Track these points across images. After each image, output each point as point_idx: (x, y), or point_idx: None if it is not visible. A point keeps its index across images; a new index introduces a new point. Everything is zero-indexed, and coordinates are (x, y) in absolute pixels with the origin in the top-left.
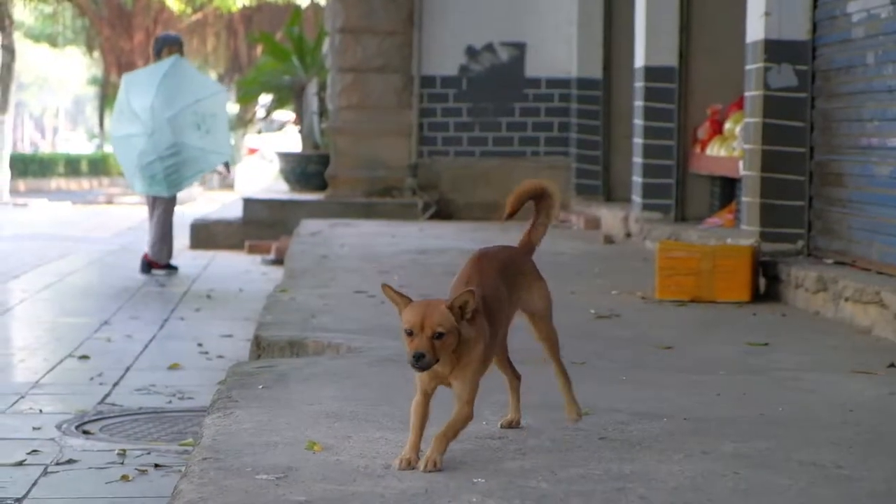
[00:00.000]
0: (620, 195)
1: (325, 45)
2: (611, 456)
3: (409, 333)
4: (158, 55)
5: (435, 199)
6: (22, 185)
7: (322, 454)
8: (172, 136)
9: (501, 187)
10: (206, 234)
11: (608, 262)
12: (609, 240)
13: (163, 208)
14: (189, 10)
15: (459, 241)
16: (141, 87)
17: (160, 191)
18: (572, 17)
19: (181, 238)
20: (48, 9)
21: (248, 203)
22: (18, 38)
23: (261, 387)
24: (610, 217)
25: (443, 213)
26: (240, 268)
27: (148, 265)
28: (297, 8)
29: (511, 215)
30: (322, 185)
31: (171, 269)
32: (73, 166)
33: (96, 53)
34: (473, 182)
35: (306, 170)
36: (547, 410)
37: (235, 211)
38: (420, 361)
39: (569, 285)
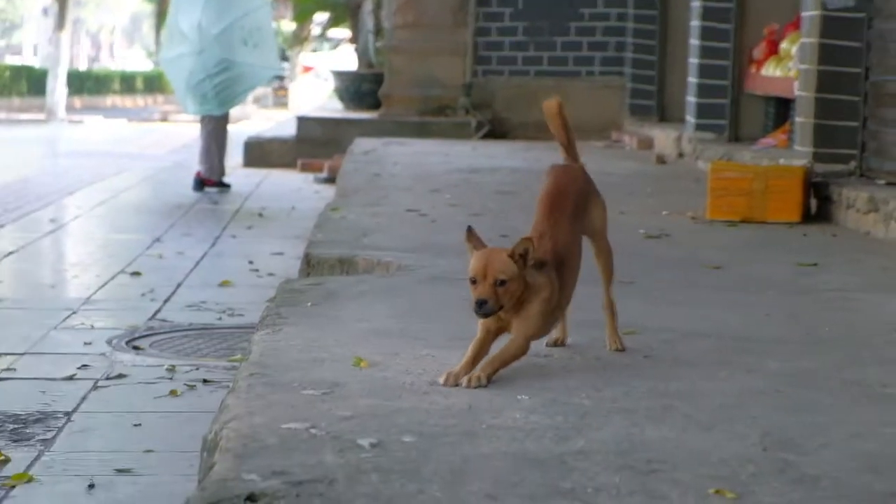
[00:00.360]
0: (674, 116)
1: None
2: (655, 374)
3: (473, 281)
4: None
5: (488, 118)
6: (78, 101)
7: (368, 370)
8: (221, 52)
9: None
10: (260, 153)
11: (660, 183)
12: (661, 160)
13: (213, 126)
14: None
15: (512, 160)
16: (188, 5)
17: (211, 109)
18: None
19: (235, 156)
20: None
21: (302, 121)
22: None
23: (310, 304)
24: (663, 137)
25: (496, 132)
26: (292, 186)
27: (201, 182)
28: None
29: (566, 140)
30: (376, 104)
31: (224, 186)
32: (128, 83)
33: None
34: (527, 102)
35: (360, 88)
36: (593, 329)
37: (289, 129)
38: (483, 308)
39: (619, 205)
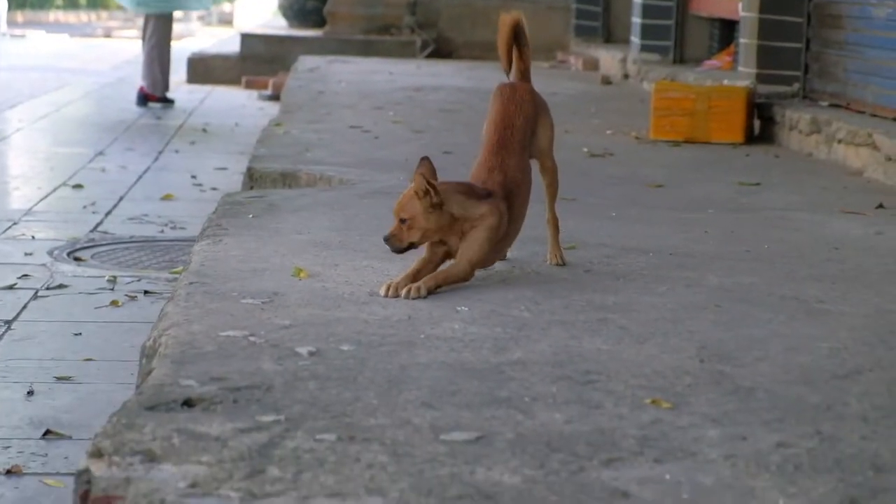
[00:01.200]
0: (620, 37)
1: None
2: (594, 287)
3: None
4: None
5: (433, 37)
6: (20, 16)
7: (308, 281)
8: None
9: None
10: (204, 69)
11: (604, 103)
12: (606, 80)
13: (157, 40)
14: None
15: (456, 79)
16: None
17: (161, 7)
18: None
19: (178, 72)
20: None
21: (246, 38)
22: None
23: (251, 216)
24: (608, 58)
25: (441, 51)
26: (236, 103)
27: (144, 98)
28: None
29: (510, 63)
30: (321, 22)
31: (168, 101)
32: None
33: None
34: (472, 21)
35: (305, 6)
36: (535, 244)
37: (233, 46)
38: (388, 242)
39: (564, 125)
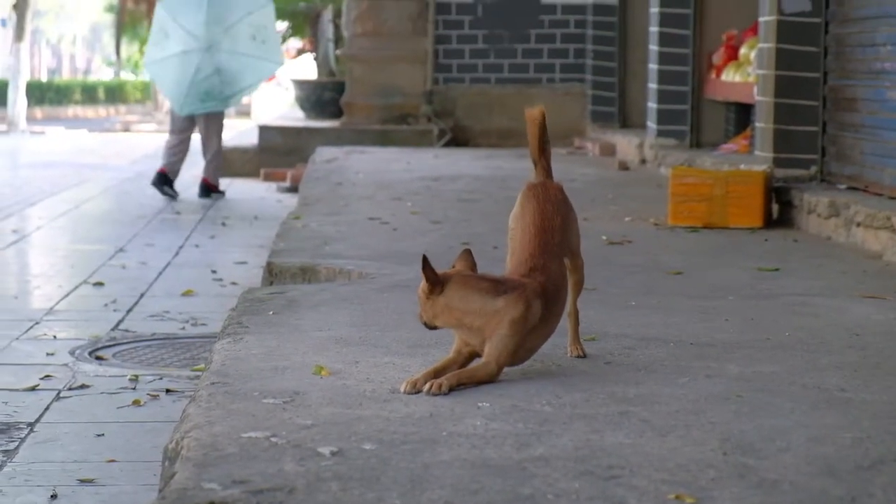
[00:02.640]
0: (636, 122)
1: None
2: (615, 380)
3: None
4: None
5: (450, 126)
6: (39, 112)
7: (329, 378)
8: (231, 46)
9: (517, 114)
10: (223, 161)
11: (622, 189)
12: (624, 166)
13: (216, 128)
14: None
15: (474, 168)
16: (187, 6)
17: (215, 106)
18: None
19: (198, 165)
20: None
21: (264, 130)
22: None
23: (271, 312)
24: (625, 143)
25: (458, 140)
26: (255, 195)
27: (207, 188)
28: None
29: (540, 152)
30: (338, 113)
31: (221, 193)
32: (89, 94)
33: None
34: (489, 109)
35: (322, 97)
36: (555, 336)
37: (251, 138)
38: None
39: (582, 212)
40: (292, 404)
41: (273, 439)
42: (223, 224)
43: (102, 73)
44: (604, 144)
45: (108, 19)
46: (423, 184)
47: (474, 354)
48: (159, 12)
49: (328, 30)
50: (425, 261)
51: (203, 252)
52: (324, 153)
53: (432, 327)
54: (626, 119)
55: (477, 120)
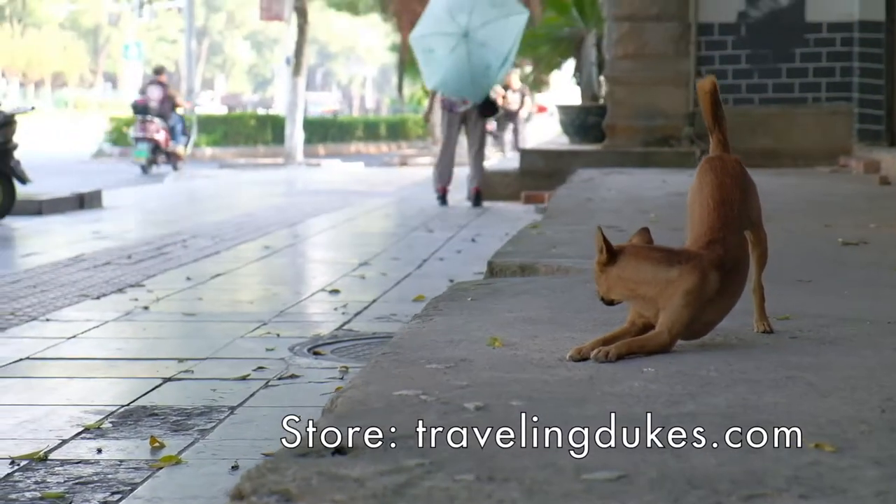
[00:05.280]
0: None
1: None
2: (794, 350)
3: None
4: None
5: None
6: (322, 149)
7: (500, 349)
8: (480, 18)
9: (781, 134)
10: (485, 186)
11: (878, 201)
12: (885, 181)
13: (481, 136)
14: None
15: None
16: (427, 19)
17: (500, 71)
18: None
19: (461, 190)
20: None
21: (526, 154)
22: (321, 8)
23: (470, 299)
24: (890, 160)
25: None
26: (512, 216)
27: (478, 196)
28: None
29: (714, 123)
30: (601, 137)
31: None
32: (371, 130)
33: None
34: (752, 129)
35: (585, 121)
36: (747, 316)
37: (514, 163)
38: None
39: (827, 220)
40: (454, 369)
41: (423, 397)
42: (472, 240)
43: (386, 112)
44: (868, 162)
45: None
46: (673, 199)
47: (649, 326)
48: (414, 44)
49: (591, 54)
50: (600, 232)
51: (446, 264)
52: (582, 174)
53: (609, 302)
54: (895, 137)
55: (740, 141)
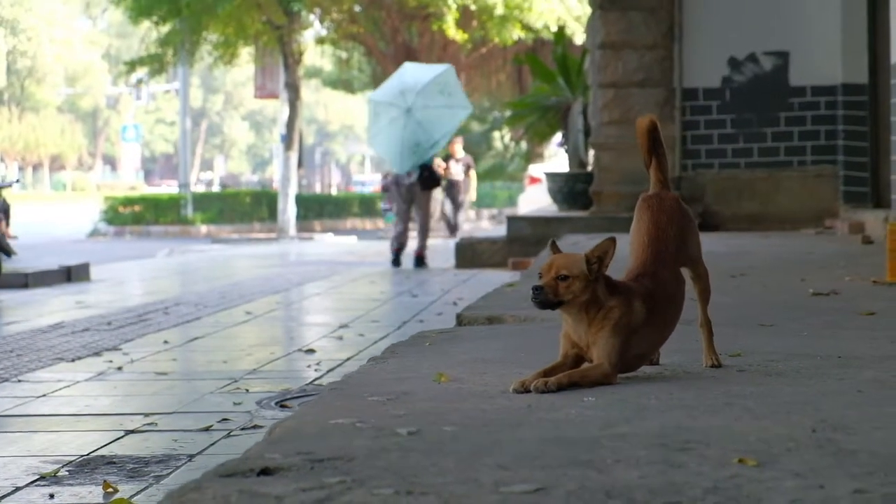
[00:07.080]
0: (890, 200)
1: (587, 63)
2: (739, 381)
3: (539, 276)
4: None
5: (699, 211)
6: (318, 225)
7: (446, 384)
8: (425, 101)
9: (768, 198)
10: (472, 254)
11: (857, 258)
12: (867, 240)
13: (425, 206)
14: (469, 45)
15: (718, 246)
16: (384, 90)
17: (426, 154)
18: (836, 24)
19: (448, 259)
20: (342, 54)
21: (512, 221)
22: (318, 88)
23: (427, 344)
24: (873, 220)
25: (708, 225)
26: (497, 282)
27: (420, 259)
28: (561, 28)
29: (650, 161)
30: (589, 203)
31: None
32: (367, 206)
33: None
34: (739, 193)
35: (574, 189)
36: (698, 353)
37: (501, 230)
38: (537, 295)
39: (803, 275)
40: (394, 401)
41: (358, 424)
42: (454, 304)
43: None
44: (853, 223)
45: None
46: None
47: (580, 359)
48: (370, 105)
49: (578, 122)
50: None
51: (426, 325)
52: (569, 238)
53: (554, 304)
54: (881, 199)
55: (727, 205)
